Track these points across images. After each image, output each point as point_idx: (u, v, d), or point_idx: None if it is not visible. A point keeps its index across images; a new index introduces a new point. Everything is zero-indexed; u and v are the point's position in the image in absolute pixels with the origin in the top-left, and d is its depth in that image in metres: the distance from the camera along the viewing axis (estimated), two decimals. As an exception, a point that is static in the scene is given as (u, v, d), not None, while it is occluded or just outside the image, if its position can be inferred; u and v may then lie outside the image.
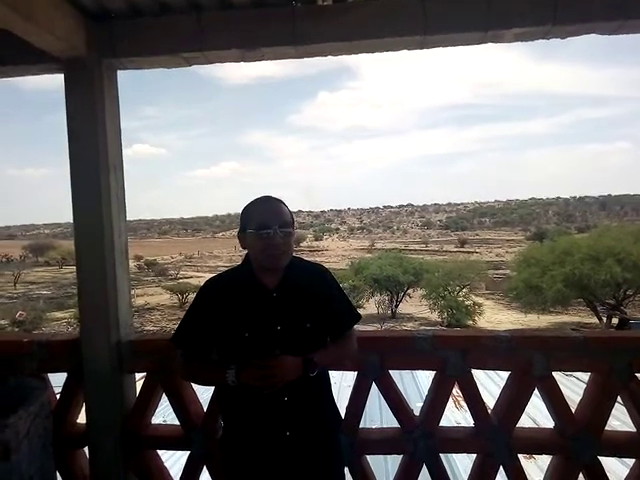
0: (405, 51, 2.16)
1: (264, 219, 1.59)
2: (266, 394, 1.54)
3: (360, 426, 2.16)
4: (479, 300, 30.92)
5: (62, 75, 2.17)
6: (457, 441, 2.12)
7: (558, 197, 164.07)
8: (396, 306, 32.07)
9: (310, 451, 1.64)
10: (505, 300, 33.73)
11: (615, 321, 23.04)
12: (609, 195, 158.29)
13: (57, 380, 2.36)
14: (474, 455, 2.19)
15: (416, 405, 3.68)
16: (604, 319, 24.74)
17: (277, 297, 1.64)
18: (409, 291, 32.74)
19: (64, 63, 2.14)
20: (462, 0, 1.96)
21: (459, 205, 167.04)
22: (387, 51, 2.10)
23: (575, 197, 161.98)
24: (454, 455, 2.80)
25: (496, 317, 30.82)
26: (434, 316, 29.51)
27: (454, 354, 2.07)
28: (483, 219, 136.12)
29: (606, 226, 35.29)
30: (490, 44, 2.12)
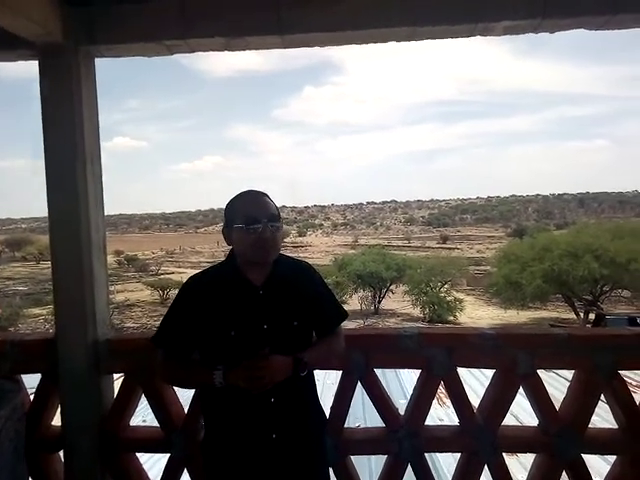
0: (391, 45, 2.13)
1: (253, 213, 1.54)
2: (253, 395, 1.49)
3: (344, 425, 2.12)
4: (460, 296, 31.29)
5: (37, 62, 2.08)
6: (442, 440, 2.11)
7: (538, 194, 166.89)
8: (379, 302, 32.26)
9: (296, 454, 1.59)
10: (486, 296, 34.20)
11: (592, 316, 23.52)
12: (587, 193, 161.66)
13: (31, 381, 2.27)
14: (458, 454, 2.18)
15: (399, 402, 3.66)
16: (581, 314, 25.26)
17: (264, 294, 1.59)
18: (392, 287, 32.96)
19: (39, 49, 2.04)
20: (452, -9, 1.92)
21: (441, 202, 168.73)
22: (375, 42, 2.06)
23: (554, 194, 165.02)
24: (437, 454, 2.78)
25: (477, 313, 31.25)
26: (416, 312, 29.78)
27: (440, 352, 2.05)
28: (465, 216, 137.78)
29: (584, 223, 36.06)
30: (477, 39, 2.09)
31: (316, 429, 1.69)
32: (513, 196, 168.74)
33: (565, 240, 26.36)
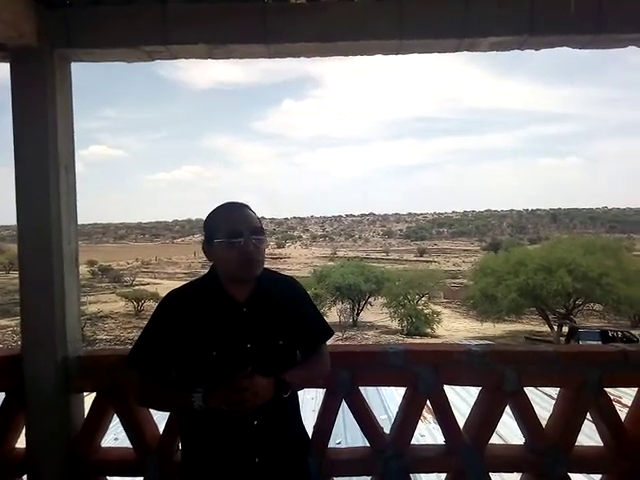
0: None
1: (235, 226, 1.46)
2: (235, 418, 1.40)
3: (327, 445, 2.05)
4: (437, 308, 31.54)
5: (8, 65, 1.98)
6: (428, 460, 2.05)
7: (512, 209, 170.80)
8: (357, 314, 32.23)
9: (279, 478, 1.52)
10: (462, 309, 34.56)
11: (565, 329, 23.97)
12: (559, 208, 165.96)
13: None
14: (443, 473, 2.12)
15: (380, 417, 3.60)
16: (555, 327, 25.71)
17: (247, 312, 1.51)
18: (370, 299, 32.98)
19: (11, 51, 1.95)
20: (440, 6, 1.91)
21: (419, 215, 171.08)
22: (362, 55, 2.03)
23: (528, 210, 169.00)
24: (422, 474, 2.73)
25: (453, 325, 31.50)
26: (394, 324, 29.84)
27: (426, 369, 2.00)
28: (441, 229, 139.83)
29: (558, 238, 36.89)
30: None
31: (300, 451, 1.62)
32: (488, 211, 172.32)
33: (539, 254, 26.91)
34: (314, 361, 1.64)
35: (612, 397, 2.04)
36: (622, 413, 2.07)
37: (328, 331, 1.69)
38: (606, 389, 2.02)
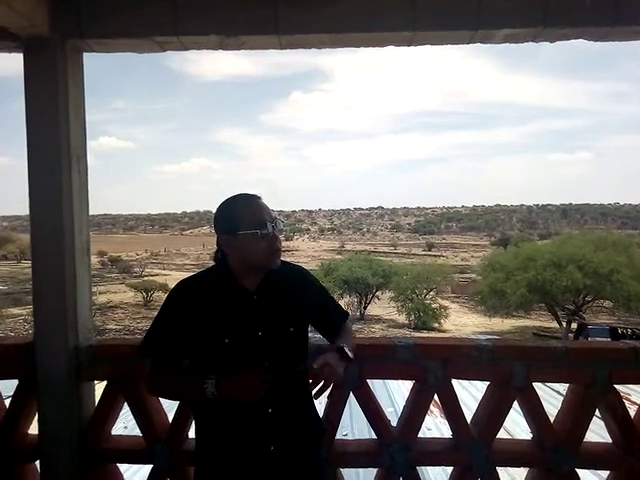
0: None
1: (262, 217, 1.48)
2: (250, 406, 1.43)
3: (334, 437, 2.06)
4: (445, 303, 31.47)
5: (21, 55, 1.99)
6: (435, 454, 2.05)
7: (522, 204, 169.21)
8: (365, 308, 32.25)
9: (295, 466, 1.53)
10: (470, 303, 34.45)
11: (574, 326, 23.80)
12: (570, 204, 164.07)
13: (8, 387, 2.17)
14: (449, 467, 2.13)
15: (387, 410, 3.62)
16: (564, 324, 25.54)
17: (258, 300, 1.53)
18: (378, 293, 32.97)
19: (23, 41, 1.96)
20: (453, -4, 1.88)
21: (428, 209, 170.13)
22: (374, 46, 2.01)
23: (538, 205, 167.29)
24: (427, 467, 2.73)
25: (461, 320, 31.43)
26: (402, 318, 29.83)
27: (435, 364, 2.00)
28: (450, 224, 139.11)
29: (568, 234, 36.51)
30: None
31: (315, 439, 1.64)
32: (498, 205, 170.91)
33: (549, 250, 26.67)
34: (345, 336, 1.68)
35: (621, 394, 2.03)
36: (631, 411, 2.06)
37: (345, 313, 1.77)
38: (615, 386, 2.00)
